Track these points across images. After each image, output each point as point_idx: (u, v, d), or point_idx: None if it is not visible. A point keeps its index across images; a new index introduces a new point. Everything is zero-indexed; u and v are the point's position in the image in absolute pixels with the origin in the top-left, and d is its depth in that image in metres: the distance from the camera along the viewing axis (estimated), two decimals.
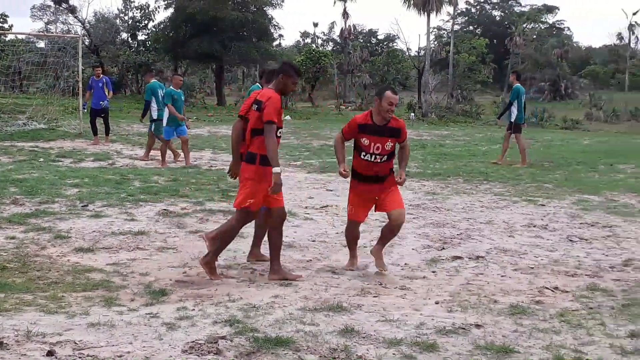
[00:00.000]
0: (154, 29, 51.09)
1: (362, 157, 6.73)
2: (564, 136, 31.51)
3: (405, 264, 7.32)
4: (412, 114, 39.93)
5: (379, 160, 6.72)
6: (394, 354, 4.64)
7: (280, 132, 6.41)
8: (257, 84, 11.70)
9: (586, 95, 67.16)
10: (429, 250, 7.96)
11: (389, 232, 6.94)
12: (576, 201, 11.52)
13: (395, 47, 74.75)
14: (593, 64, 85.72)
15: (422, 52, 61.23)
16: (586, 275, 6.98)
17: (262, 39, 48.28)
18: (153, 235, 8.13)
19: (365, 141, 6.66)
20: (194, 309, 5.48)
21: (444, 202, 11.18)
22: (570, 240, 8.59)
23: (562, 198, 11.82)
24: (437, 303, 5.90)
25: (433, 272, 7.01)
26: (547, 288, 6.46)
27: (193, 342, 4.72)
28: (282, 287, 6.24)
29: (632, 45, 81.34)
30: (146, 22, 50.92)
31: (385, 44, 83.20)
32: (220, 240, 6.47)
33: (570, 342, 4.96)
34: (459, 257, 7.60)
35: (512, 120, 16.89)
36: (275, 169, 6.17)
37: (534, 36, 77.85)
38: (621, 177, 15.01)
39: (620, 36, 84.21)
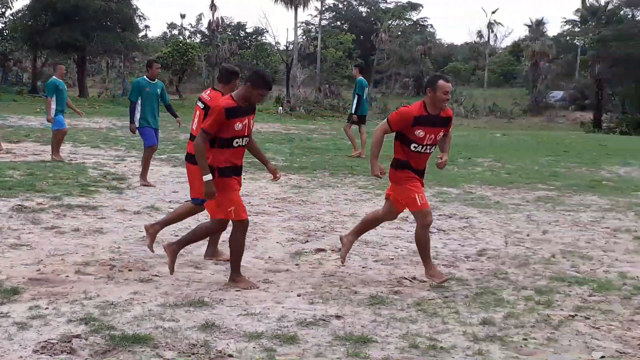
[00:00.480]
0: (11, 17, 48.85)
1: (412, 149, 6.40)
2: None
3: (269, 257, 7.32)
4: (280, 108, 40.07)
5: (428, 151, 6.50)
6: (254, 347, 4.63)
7: (237, 142, 6.05)
8: (144, 76, 11.64)
9: None
10: (293, 243, 8.00)
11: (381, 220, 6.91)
12: (436, 193, 11.89)
13: (264, 40, 74.93)
14: (455, 61, 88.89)
15: (291, 46, 61.64)
16: (443, 265, 7.21)
17: (127, 30, 47.16)
18: (5, 231, 7.76)
19: (420, 133, 6.33)
20: (47, 308, 5.27)
21: (309, 196, 11.28)
22: (429, 232, 8.82)
23: None
24: (299, 295, 5.93)
25: (296, 264, 7.05)
26: (405, 278, 6.63)
27: (45, 341, 4.54)
28: (142, 283, 6.10)
29: (492, 43, 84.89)
30: (3, 10, 48.64)
31: (254, 37, 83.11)
32: (231, 255, 6.27)
33: (426, 331, 5.11)
34: (322, 250, 7.68)
35: (354, 112, 17.38)
36: (205, 177, 5.94)
37: (399, 33, 79.84)
38: (478, 170, 15.63)
39: (480, 34, 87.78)
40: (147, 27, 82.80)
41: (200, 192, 6.96)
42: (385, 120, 6.48)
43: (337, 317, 5.35)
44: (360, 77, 17.64)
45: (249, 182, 12.39)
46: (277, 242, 7.99)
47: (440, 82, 6.36)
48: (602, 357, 4.72)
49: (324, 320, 5.25)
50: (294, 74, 50.27)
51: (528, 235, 8.82)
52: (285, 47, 70.88)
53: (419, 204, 6.39)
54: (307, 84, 53.69)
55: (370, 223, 7.01)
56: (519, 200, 11.57)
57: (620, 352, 4.82)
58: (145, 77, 11.69)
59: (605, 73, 54.89)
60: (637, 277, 6.86)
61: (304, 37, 72.08)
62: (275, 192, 11.40)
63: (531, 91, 66.39)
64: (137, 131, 11.82)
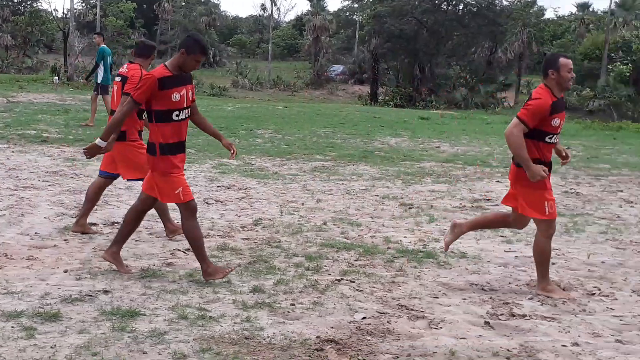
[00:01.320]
0: None
1: (548, 141, 5.69)
2: (211, 103, 32.28)
3: (36, 233, 6.97)
4: (56, 78, 38.16)
5: (557, 141, 5.84)
6: (12, 327, 4.39)
7: (177, 115, 5.50)
8: None
9: (233, 64, 69.71)
10: (63, 218, 7.67)
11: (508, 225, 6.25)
12: (216, 165, 11.89)
13: (40, 7, 70.95)
14: (240, 33, 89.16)
15: (68, 14, 58.84)
16: (218, 235, 7.23)
17: None
18: None
19: (556, 121, 5.65)
20: None
21: (83, 169, 10.85)
22: (207, 203, 8.83)
23: (203, 162, 12.13)
24: (65, 272, 5.71)
25: (65, 240, 6.77)
26: (179, 250, 6.58)
27: None
28: None
29: (275, 16, 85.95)
30: None
31: (27, 3, 78.30)
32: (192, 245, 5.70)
33: (196, 301, 5.10)
34: (94, 224, 7.42)
35: (99, 81, 17.06)
36: (99, 141, 5.53)
37: (183, 3, 78.69)
38: (259, 141, 15.81)
39: (263, 7, 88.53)
40: None
41: (132, 172, 6.88)
42: (517, 120, 5.65)
43: (105, 292, 5.21)
44: (102, 46, 17.24)
45: (18, 155, 11.73)
46: (45, 217, 7.62)
47: (562, 59, 5.76)
48: (364, 317, 4.96)
49: (91, 295, 5.09)
50: (71, 42, 47.90)
51: (303, 204, 9.07)
52: (63, 15, 67.53)
53: (547, 213, 5.75)
54: (86, 54, 51.28)
55: (494, 224, 6.43)
56: (297, 170, 11.85)
57: (380, 313, 5.09)
58: None
59: (380, 48, 57.28)
60: (400, 241, 7.28)
61: (83, 4, 68.99)
62: (46, 165, 10.87)
63: (313, 65, 68.08)
64: None
